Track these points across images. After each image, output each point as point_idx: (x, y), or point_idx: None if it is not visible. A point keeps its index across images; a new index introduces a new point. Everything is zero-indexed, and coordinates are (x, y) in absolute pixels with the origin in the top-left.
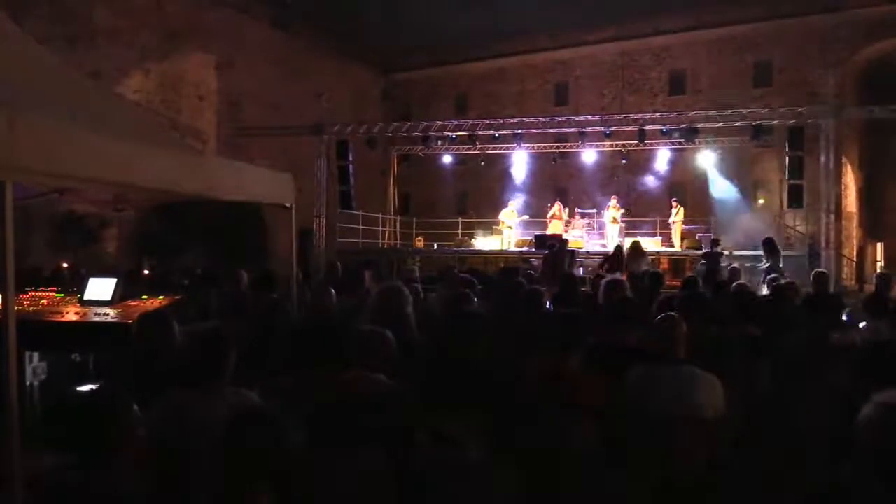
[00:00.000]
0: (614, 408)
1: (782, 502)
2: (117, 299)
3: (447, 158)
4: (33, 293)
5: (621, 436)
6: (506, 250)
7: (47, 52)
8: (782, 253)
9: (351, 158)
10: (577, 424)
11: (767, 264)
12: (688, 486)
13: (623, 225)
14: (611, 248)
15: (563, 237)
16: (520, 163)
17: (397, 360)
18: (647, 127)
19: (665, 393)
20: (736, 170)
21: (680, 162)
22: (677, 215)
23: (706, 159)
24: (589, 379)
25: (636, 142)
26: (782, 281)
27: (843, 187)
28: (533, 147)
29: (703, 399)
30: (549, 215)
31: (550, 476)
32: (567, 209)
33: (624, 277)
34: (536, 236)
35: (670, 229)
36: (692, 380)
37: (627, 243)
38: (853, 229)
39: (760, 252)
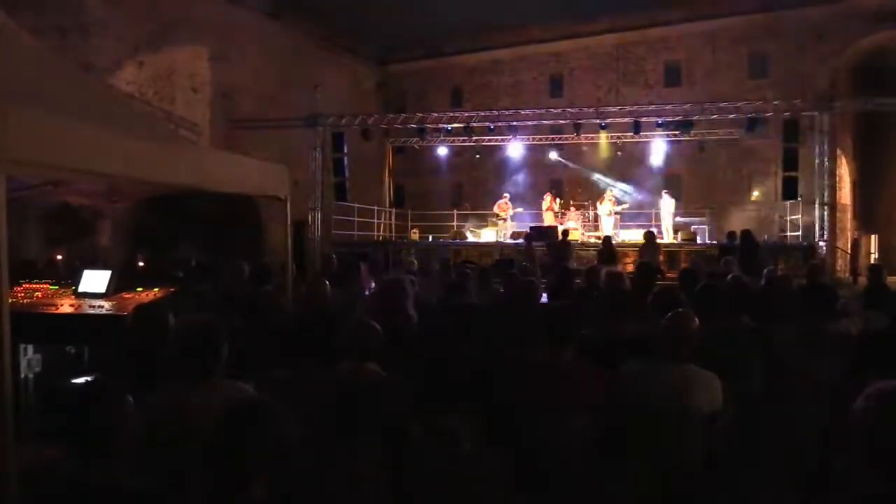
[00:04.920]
0: (609, 402)
1: (779, 496)
2: (112, 291)
3: (442, 150)
4: (27, 285)
5: (617, 430)
6: (501, 242)
7: (40, 43)
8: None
9: (346, 150)
10: (571, 418)
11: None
12: (685, 481)
13: (618, 217)
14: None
15: (564, 229)
16: (515, 155)
17: (391, 353)
18: (643, 119)
19: (662, 392)
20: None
21: (675, 154)
22: (667, 207)
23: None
24: (583, 372)
25: (631, 133)
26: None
27: (837, 179)
28: (528, 139)
29: (701, 398)
30: (544, 207)
31: (544, 469)
32: (560, 201)
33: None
34: (531, 228)
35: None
36: (690, 379)
37: (625, 236)
38: (847, 221)
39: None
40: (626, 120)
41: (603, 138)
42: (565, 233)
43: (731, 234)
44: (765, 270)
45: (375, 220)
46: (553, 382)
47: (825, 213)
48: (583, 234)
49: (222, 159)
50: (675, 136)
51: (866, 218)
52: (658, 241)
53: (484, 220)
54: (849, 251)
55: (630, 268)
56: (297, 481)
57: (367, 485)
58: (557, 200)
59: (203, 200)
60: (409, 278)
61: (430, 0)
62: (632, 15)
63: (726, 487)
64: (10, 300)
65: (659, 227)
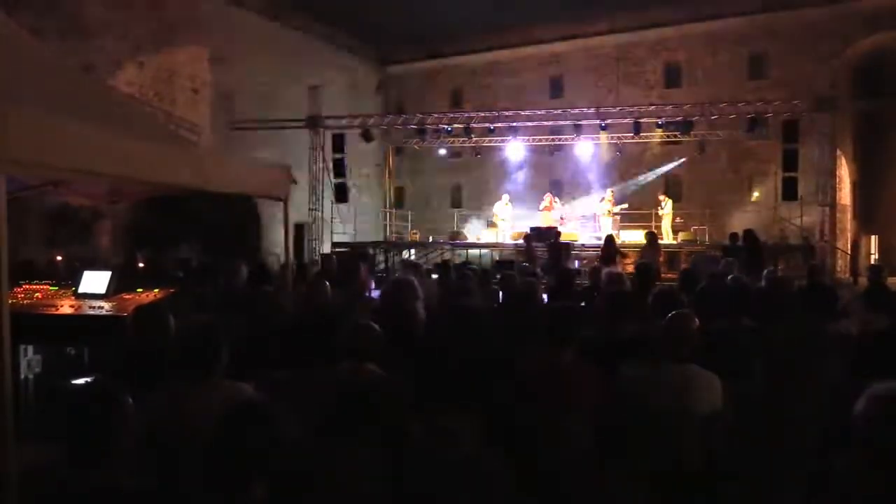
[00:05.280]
0: (609, 402)
1: (779, 496)
2: (112, 292)
3: (442, 151)
4: (27, 286)
5: (617, 430)
6: (501, 243)
7: (40, 44)
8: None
9: (346, 151)
10: (571, 418)
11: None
12: (685, 481)
13: (617, 217)
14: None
15: (558, 230)
16: (515, 156)
17: (398, 353)
18: (643, 119)
19: (662, 392)
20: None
21: (675, 154)
22: (666, 209)
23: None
24: (583, 373)
25: (631, 134)
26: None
27: (837, 180)
28: (528, 140)
29: (701, 398)
30: (541, 207)
31: (544, 470)
32: (561, 201)
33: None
34: (531, 229)
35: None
36: (691, 379)
37: (625, 237)
38: (847, 222)
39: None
40: (626, 121)
41: (603, 139)
42: (557, 234)
43: (734, 236)
44: (764, 271)
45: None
46: (553, 383)
47: (826, 213)
48: (582, 233)
49: (223, 160)
50: (675, 136)
51: (866, 218)
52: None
53: (484, 220)
54: (849, 252)
55: (630, 268)
56: (297, 481)
57: (367, 485)
58: (557, 200)
59: (203, 201)
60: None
61: (431, 1)
62: (632, 16)
63: (726, 487)
64: (10, 301)
65: (659, 228)
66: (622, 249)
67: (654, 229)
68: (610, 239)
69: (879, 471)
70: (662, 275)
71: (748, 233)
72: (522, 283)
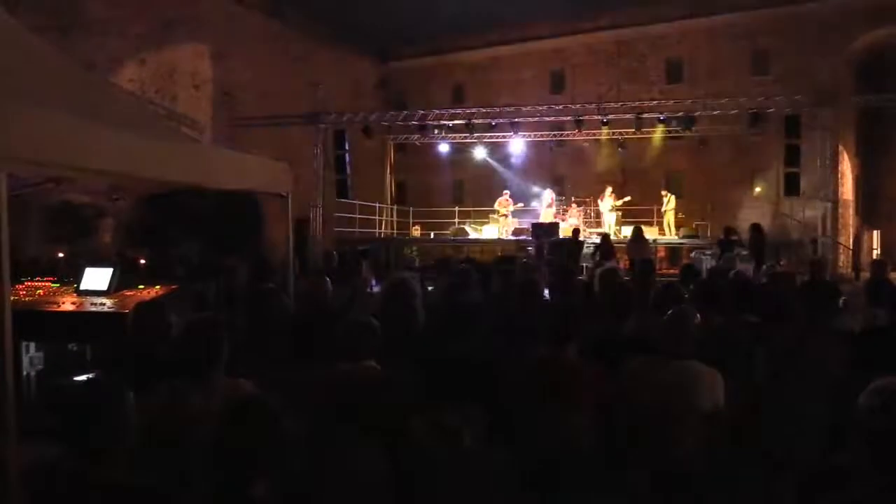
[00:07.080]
0: (611, 400)
1: (780, 494)
2: (114, 289)
3: (443, 147)
4: (29, 283)
5: (618, 427)
6: (503, 238)
7: (41, 41)
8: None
9: (347, 147)
10: (572, 415)
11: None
12: (685, 479)
13: (620, 214)
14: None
15: (558, 225)
16: (516, 151)
17: (398, 352)
18: (644, 115)
19: (663, 388)
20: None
21: (677, 150)
22: (668, 204)
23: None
24: (586, 371)
25: (633, 130)
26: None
27: (839, 175)
28: (529, 135)
29: (703, 395)
30: (545, 204)
31: (546, 467)
32: (562, 198)
33: (622, 266)
34: (533, 225)
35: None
36: (692, 375)
37: (627, 233)
38: (849, 217)
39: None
40: (628, 116)
41: (604, 135)
42: (576, 231)
43: (728, 230)
44: (763, 266)
45: (377, 217)
46: (555, 380)
47: (828, 209)
48: (584, 230)
49: (224, 156)
50: (676, 132)
51: (868, 213)
52: (660, 237)
53: (485, 216)
54: (851, 247)
55: (623, 264)
56: (297, 480)
57: (367, 483)
58: (561, 198)
59: (205, 198)
60: (413, 276)
61: None
62: (633, 11)
63: (726, 486)
64: (12, 298)
65: (661, 223)
66: (620, 245)
67: (656, 224)
68: (605, 237)
69: (881, 467)
70: (660, 270)
71: (754, 227)
72: (524, 280)
